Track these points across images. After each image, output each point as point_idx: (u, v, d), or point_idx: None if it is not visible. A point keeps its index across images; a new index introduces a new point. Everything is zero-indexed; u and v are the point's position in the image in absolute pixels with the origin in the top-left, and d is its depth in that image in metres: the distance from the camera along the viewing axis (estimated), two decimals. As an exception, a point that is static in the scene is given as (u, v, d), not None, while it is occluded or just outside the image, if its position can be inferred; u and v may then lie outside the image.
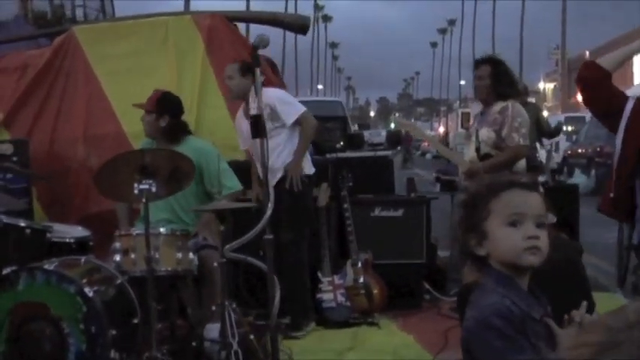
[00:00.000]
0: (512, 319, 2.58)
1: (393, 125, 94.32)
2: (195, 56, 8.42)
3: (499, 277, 2.70)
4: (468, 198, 2.80)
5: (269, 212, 4.12)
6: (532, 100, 11.32)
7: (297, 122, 7.16)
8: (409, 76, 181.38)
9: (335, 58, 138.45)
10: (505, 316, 2.58)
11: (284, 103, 7.20)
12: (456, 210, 2.63)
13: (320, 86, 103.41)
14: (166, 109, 6.50)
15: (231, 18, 8.64)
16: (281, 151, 7.14)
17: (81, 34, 8.61)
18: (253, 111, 4.38)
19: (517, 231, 2.67)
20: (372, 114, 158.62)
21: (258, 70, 4.50)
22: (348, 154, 9.12)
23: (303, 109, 7.24)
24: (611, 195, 4.08)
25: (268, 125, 7.11)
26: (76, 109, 8.44)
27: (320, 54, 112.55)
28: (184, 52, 8.45)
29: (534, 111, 10.23)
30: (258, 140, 4.81)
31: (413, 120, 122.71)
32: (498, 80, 6.99)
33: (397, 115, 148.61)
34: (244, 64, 7.12)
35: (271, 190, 4.21)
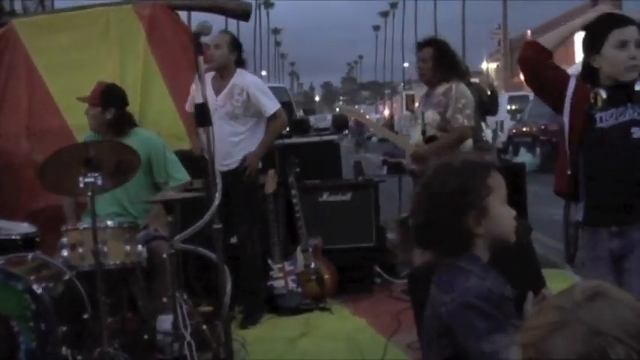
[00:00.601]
0: (494, 300, 2.64)
1: (337, 110, 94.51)
2: (137, 46, 8.33)
3: (474, 259, 2.74)
4: (462, 176, 2.79)
5: (217, 202, 4.09)
6: (475, 80, 11.34)
7: (272, 116, 7.20)
8: (352, 59, 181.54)
9: (278, 44, 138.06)
10: (487, 297, 2.64)
11: (264, 94, 7.28)
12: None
13: (264, 72, 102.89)
14: (111, 101, 6.43)
15: (173, 7, 8.56)
16: (242, 140, 7.15)
17: (20, 27, 8.46)
18: (198, 99, 4.34)
19: (508, 209, 2.80)
20: (317, 99, 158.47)
21: (200, 59, 4.44)
22: (294, 139, 9.11)
23: (278, 104, 7.30)
24: (569, 172, 4.10)
25: (238, 111, 7.13)
26: (18, 103, 8.31)
27: (263, 40, 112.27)
28: (126, 43, 8.35)
29: (478, 91, 10.26)
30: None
31: (358, 104, 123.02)
32: (441, 62, 6.94)
33: (342, 100, 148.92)
34: (236, 40, 7.14)
35: (218, 180, 4.17)
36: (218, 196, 4.10)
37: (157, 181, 6.35)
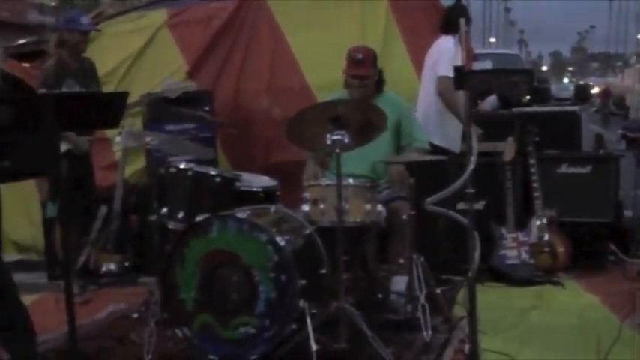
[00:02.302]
0: None
1: (565, 80, 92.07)
2: (379, 8, 8.37)
3: None
4: None
5: (472, 166, 4.02)
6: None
7: None
8: (583, 29, 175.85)
9: (507, 10, 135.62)
10: None
11: None
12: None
13: (492, 39, 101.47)
14: (376, 62, 6.44)
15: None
16: None
17: (264, -13, 8.65)
18: (457, 62, 4.28)
19: None
20: (544, 68, 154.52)
21: (462, 21, 4.38)
22: (534, 108, 8.90)
23: None
24: None
25: None
26: (259, 61, 8.52)
27: (492, 6, 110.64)
28: (368, 4, 8.40)
29: None
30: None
31: (587, 75, 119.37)
32: None
33: (570, 70, 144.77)
34: None
35: (474, 143, 4.10)
36: (473, 159, 4.04)
37: (402, 144, 6.35)
